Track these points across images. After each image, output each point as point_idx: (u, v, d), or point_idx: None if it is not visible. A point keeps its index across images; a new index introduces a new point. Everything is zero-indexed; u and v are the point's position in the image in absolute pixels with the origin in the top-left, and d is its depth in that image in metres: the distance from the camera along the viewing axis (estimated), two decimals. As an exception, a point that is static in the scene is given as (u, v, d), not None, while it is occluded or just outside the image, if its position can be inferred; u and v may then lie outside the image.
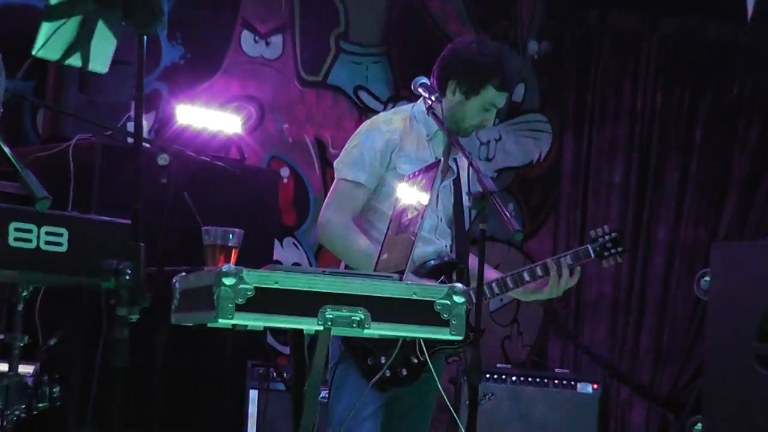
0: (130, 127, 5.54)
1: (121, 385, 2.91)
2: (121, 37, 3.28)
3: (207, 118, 5.87)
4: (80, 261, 2.45)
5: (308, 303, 3.06)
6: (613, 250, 4.53)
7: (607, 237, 4.53)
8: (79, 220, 2.45)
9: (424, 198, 3.39)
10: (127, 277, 2.59)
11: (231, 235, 3.30)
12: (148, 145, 5.22)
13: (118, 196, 4.92)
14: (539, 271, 4.42)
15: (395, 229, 3.52)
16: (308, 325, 3.12)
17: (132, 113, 5.79)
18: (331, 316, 3.08)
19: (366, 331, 3.14)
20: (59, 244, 2.40)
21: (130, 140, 5.35)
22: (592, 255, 4.52)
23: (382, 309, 3.14)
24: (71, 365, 4.83)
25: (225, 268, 2.93)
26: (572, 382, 6.65)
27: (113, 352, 2.72)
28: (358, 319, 3.11)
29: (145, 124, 5.95)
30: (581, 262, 4.52)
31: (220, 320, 2.95)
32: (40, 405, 4.21)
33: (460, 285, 3.21)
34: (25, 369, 4.22)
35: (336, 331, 3.13)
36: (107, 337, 3.96)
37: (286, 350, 6.90)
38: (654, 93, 8.12)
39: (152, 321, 3.50)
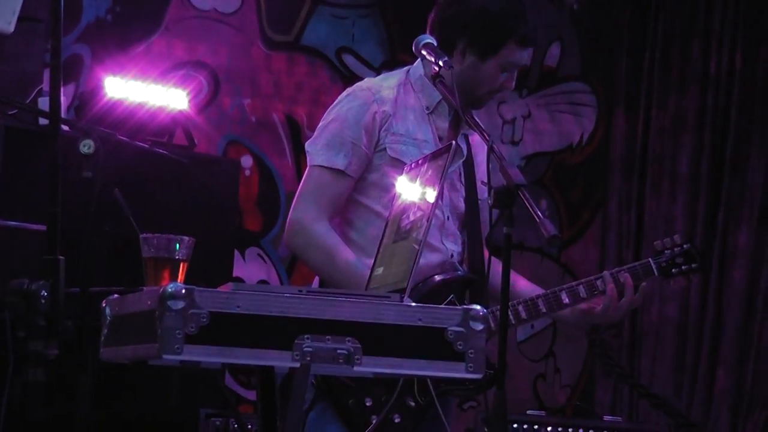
0: (43, 104, 5.54)
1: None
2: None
3: (144, 91, 5.88)
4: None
5: (280, 332, 3.06)
6: (684, 267, 4.55)
7: (677, 249, 4.54)
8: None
9: (430, 194, 3.40)
10: (43, 301, 2.59)
11: (178, 245, 3.30)
12: (66, 128, 5.26)
13: (27, 195, 4.96)
14: (583, 292, 4.44)
15: (393, 235, 3.53)
16: (281, 362, 3.12)
17: (45, 86, 5.81)
18: (310, 348, 3.08)
19: (357, 368, 3.15)
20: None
21: (42, 121, 5.36)
22: (656, 272, 4.54)
23: (378, 339, 3.15)
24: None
25: (171, 287, 2.93)
26: (627, 434, 6.68)
27: (25, 399, 2.73)
28: (345, 352, 3.11)
29: (63, 100, 5.96)
30: (641, 280, 4.53)
31: (164, 356, 2.94)
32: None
33: (478, 307, 3.21)
34: None
35: (317, 369, 3.15)
36: (15, 380, 3.99)
37: (251, 395, 6.93)
38: (732, 53, 8.11)
39: (75, 358, 3.52)
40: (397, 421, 4.24)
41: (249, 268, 7.27)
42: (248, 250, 7.30)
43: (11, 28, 4.75)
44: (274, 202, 7.45)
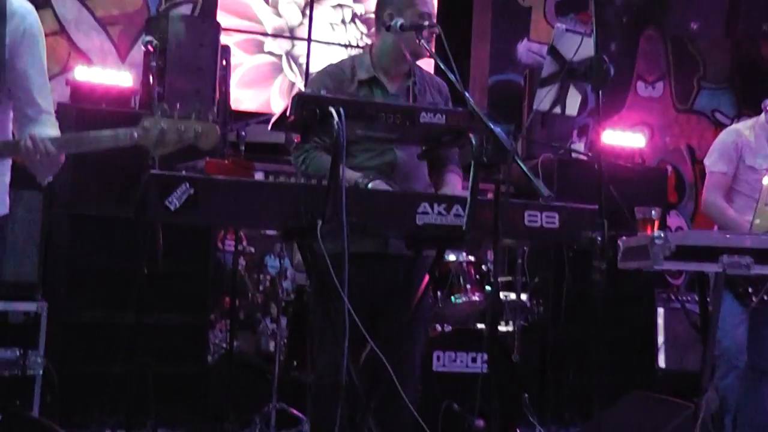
0: (574, 147, 5.45)
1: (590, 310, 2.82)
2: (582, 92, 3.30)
3: (621, 138, 5.67)
4: (567, 232, 2.38)
5: (711, 253, 2.83)
6: None
7: None
8: (566, 207, 2.38)
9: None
10: (598, 241, 2.49)
11: (653, 212, 3.11)
12: (585, 158, 5.12)
13: (571, 191, 4.83)
14: None
15: (763, 203, 3.19)
16: (711, 269, 2.88)
17: (573, 138, 5.70)
18: (727, 261, 2.82)
19: (751, 271, 2.87)
20: (553, 222, 2.34)
21: (574, 155, 5.27)
22: None
23: (763, 256, 2.86)
24: (547, 294, 4.80)
25: (656, 233, 2.76)
26: None
27: (589, 288, 2.62)
28: (745, 263, 2.84)
29: (582, 146, 5.82)
30: None
31: (654, 266, 2.79)
32: (530, 319, 4.27)
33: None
34: (522, 296, 4.29)
35: (730, 271, 2.87)
36: (570, 277, 3.91)
37: (674, 282, 6.55)
38: None
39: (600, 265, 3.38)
40: (765, 298, 3.84)
41: (671, 220, 6.89)
42: (671, 211, 6.91)
43: (576, 113, 4.71)
44: (682, 187, 7.06)
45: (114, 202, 4.04)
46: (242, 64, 6.22)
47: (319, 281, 2.30)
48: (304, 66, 5.22)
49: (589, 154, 5.36)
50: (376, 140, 2.49)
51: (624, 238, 3.15)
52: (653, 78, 7.01)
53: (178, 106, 2.19)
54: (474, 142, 2.15)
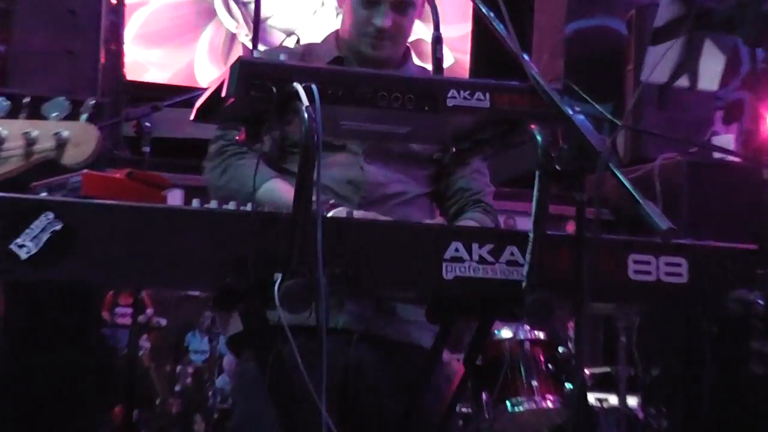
0: (717, 141, 5.48)
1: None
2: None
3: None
4: (705, 292, 2.41)
5: None
6: None
7: None
8: (702, 247, 2.41)
9: None
10: (760, 308, 2.51)
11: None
12: (736, 160, 5.16)
13: (709, 216, 4.87)
14: None
15: None
16: None
17: (716, 127, 5.75)
18: None
19: None
20: (680, 274, 2.37)
21: (716, 156, 5.30)
22: None
23: None
24: (674, 396, 4.82)
25: None
26: None
27: (747, 387, 2.66)
28: None
29: (730, 138, 5.85)
30: None
31: None
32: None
33: None
34: (630, 401, 4.33)
35: None
36: (714, 368, 3.93)
37: None
38: None
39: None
40: None
41: None
42: None
43: (716, 87, 4.72)
44: None
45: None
46: (146, 5, 6.28)
47: (275, 375, 2.33)
48: (252, 5, 5.25)
49: (744, 154, 5.40)
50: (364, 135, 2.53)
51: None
52: None
53: (27, 100, 2.19)
54: (539, 138, 2.17)
